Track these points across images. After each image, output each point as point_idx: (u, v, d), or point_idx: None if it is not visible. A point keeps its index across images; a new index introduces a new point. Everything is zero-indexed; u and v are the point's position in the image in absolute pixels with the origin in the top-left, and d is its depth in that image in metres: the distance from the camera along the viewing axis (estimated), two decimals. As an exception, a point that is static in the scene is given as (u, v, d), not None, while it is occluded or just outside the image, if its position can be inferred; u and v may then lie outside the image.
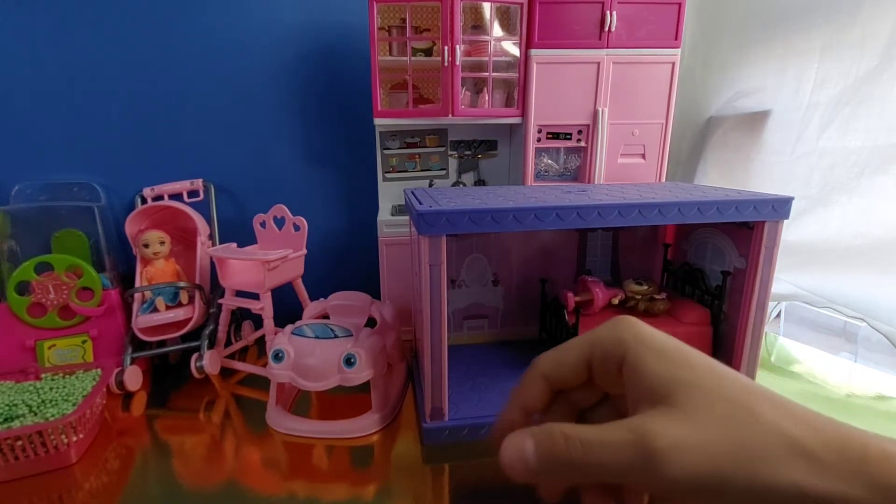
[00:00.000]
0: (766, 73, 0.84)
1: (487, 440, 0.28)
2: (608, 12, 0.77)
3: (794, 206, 0.56)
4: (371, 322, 0.69)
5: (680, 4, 0.78)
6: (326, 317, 0.71)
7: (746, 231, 0.59)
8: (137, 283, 0.77)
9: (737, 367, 0.63)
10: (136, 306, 0.75)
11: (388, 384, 0.66)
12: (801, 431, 0.20)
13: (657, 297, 0.71)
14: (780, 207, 0.55)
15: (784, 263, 0.60)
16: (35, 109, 0.84)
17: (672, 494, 0.21)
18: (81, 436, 0.57)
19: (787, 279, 0.81)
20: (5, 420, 0.56)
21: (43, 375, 0.66)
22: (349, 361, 0.59)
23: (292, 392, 0.69)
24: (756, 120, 0.86)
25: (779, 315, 0.90)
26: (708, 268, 0.70)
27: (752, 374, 0.64)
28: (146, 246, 0.77)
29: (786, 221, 0.56)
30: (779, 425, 0.21)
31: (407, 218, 0.78)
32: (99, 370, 0.67)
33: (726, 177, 0.93)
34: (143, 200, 0.87)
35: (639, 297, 0.71)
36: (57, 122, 0.85)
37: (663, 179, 0.87)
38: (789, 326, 0.91)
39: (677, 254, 0.77)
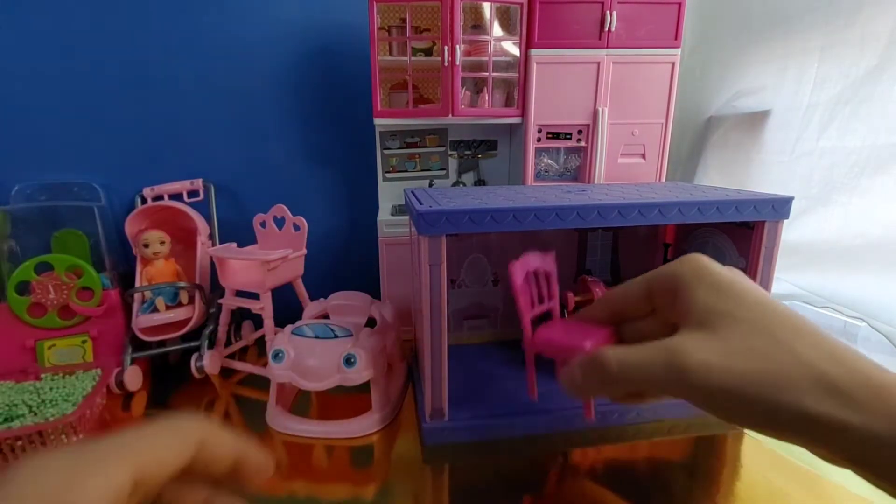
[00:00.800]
0: (766, 73, 0.84)
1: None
2: (608, 12, 0.77)
3: (794, 205, 0.56)
4: (371, 322, 0.69)
5: (680, 4, 0.78)
6: (326, 317, 0.71)
7: (746, 231, 0.59)
8: (137, 283, 0.77)
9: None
10: (136, 306, 0.75)
11: (389, 384, 0.66)
12: (833, 368, 0.22)
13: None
14: (780, 207, 0.55)
15: (784, 263, 0.60)
16: (35, 109, 0.84)
17: (699, 403, 0.24)
18: (82, 436, 0.57)
19: (786, 279, 0.81)
20: (5, 420, 0.56)
21: (43, 375, 0.66)
22: (349, 361, 0.58)
23: (292, 392, 0.68)
24: (756, 120, 0.86)
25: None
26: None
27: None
28: (146, 246, 0.77)
29: (786, 221, 0.56)
30: (812, 361, 0.22)
31: (407, 218, 0.78)
32: (99, 370, 0.67)
33: (726, 177, 0.93)
34: (143, 200, 0.87)
35: (639, 296, 0.71)
36: (57, 122, 0.85)
37: (663, 179, 0.87)
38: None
39: (677, 253, 0.77)
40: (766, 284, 0.58)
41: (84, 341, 0.74)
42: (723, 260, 0.66)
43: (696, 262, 0.28)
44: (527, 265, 0.42)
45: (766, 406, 0.22)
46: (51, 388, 0.62)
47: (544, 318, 0.43)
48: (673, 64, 0.81)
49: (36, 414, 0.57)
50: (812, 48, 0.75)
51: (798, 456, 0.54)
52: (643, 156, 0.86)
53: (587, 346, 0.30)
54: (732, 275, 0.28)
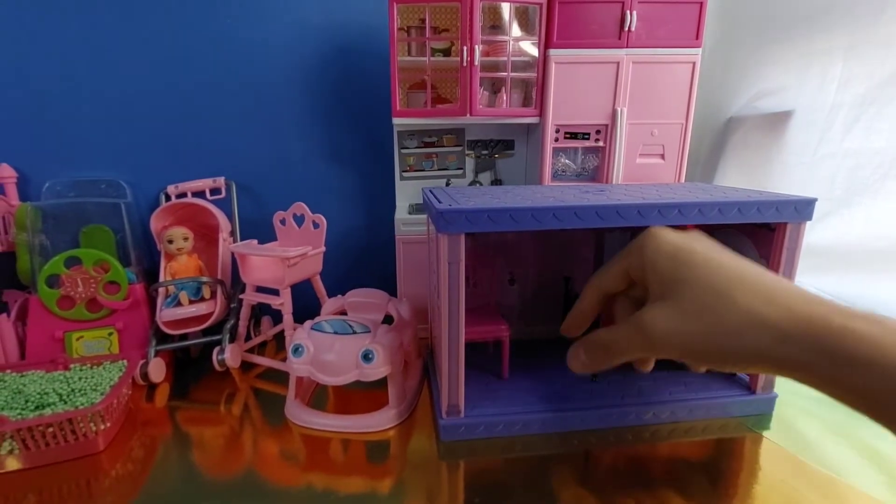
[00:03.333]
0: (789, 73, 0.83)
1: (560, 331, 0.42)
2: (628, 12, 0.76)
3: (816, 207, 0.55)
4: (388, 319, 0.70)
5: (701, 4, 0.77)
6: (344, 313, 0.72)
7: (767, 232, 0.59)
8: (161, 278, 0.79)
9: (756, 370, 0.62)
10: (160, 300, 0.77)
11: (405, 380, 0.67)
12: (772, 311, 0.26)
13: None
14: (802, 209, 0.55)
15: (805, 265, 0.59)
16: (65, 109, 0.86)
17: (674, 358, 0.30)
18: (108, 424, 0.59)
19: (808, 282, 0.80)
20: (37, 408, 0.58)
21: (72, 366, 0.68)
22: (367, 357, 0.59)
23: (310, 386, 0.70)
24: (778, 120, 0.85)
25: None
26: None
27: (772, 379, 0.63)
28: (170, 242, 0.79)
29: (808, 223, 0.56)
30: (752, 308, 0.26)
31: (424, 217, 0.79)
32: (125, 361, 0.69)
33: (746, 178, 0.92)
34: (168, 197, 0.89)
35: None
36: (86, 122, 0.87)
37: (682, 180, 0.86)
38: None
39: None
40: (787, 287, 0.58)
41: (110, 333, 0.76)
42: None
43: (656, 236, 0.33)
44: None
45: (720, 354, 0.27)
46: (79, 378, 0.64)
47: None
48: (693, 64, 0.80)
49: (66, 402, 0.59)
50: (836, 47, 0.74)
51: (817, 459, 0.54)
52: (662, 156, 0.85)
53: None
54: (686, 241, 0.32)
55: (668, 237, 0.32)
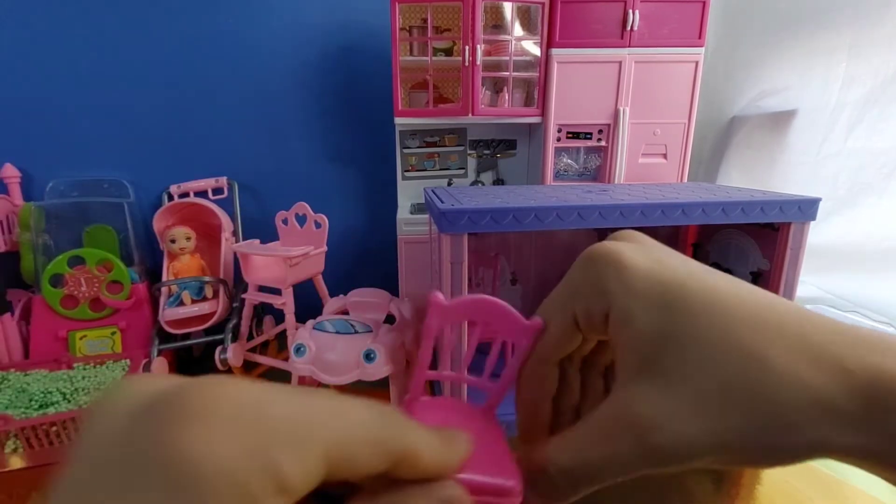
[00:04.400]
0: (792, 72, 0.82)
1: (521, 442, 0.23)
2: (630, 11, 0.76)
3: (820, 207, 0.55)
4: (390, 318, 0.70)
5: (704, 3, 0.77)
6: (346, 313, 0.72)
7: (771, 232, 0.58)
8: (164, 278, 0.79)
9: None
10: (162, 300, 0.77)
11: (407, 380, 0.67)
12: (824, 380, 0.17)
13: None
14: (806, 209, 0.54)
15: (809, 266, 0.59)
16: (69, 110, 0.87)
17: (686, 469, 0.18)
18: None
19: (812, 282, 0.79)
20: (41, 406, 0.58)
21: (75, 365, 0.68)
22: (369, 357, 0.59)
23: (312, 385, 0.70)
24: (781, 120, 0.85)
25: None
26: (733, 269, 0.70)
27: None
28: (173, 241, 0.80)
29: (811, 223, 0.55)
30: (798, 378, 0.17)
31: (426, 217, 0.79)
32: (128, 361, 0.69)
33: (749, 177, 0.92)
34: (170, 197, 0.89)
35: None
36: (89, 122, 0.88)
37: (685, 179, 0.86)
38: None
39: (699, 255, 0.77)
40: (792, 287, 0.58)
41: (113, 333, 0.76)
42: (746, 262, 0.66)
43: (620, 270, 0.19)
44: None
45: (765, 453, 0.18)
46: (83, 377, 0.65)
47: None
48: (696, 63, 0.80)
49: (69, 401, 0.59)
50: (839, 47, 0.73)
51: (820, 461, 0.53)
52: (665, 156, 0.85)
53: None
54: (659, 265, 0.19)
55: (638, 271, 0.19)
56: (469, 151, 0.95)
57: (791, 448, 0.17)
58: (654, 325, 0.18)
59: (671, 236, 0.79)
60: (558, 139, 0.83)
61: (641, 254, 0.20)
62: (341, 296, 0.74)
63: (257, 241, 0.81)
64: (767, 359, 0.17)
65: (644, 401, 0.18)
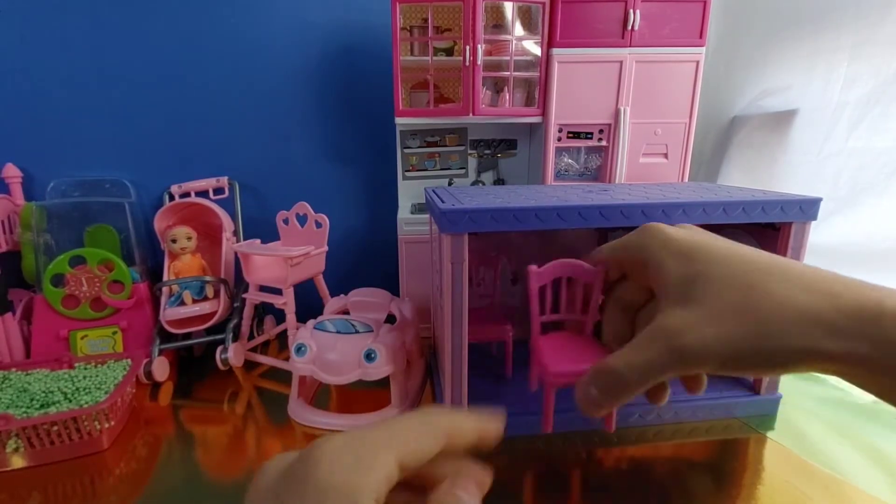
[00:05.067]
0: (793, 72, 0.82)
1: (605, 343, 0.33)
2: (631, 10, 0.76)
3: (821, 207, 0.55)
4: (390, 318, 0.70)
5: (705, 2, 0.77)
6: (347, 313, 0.73)
7: (772, 232, 0.58)
8: (165, 277, 0.80)
9: (759, 370, 0.62)
10: (163, 299, 0.77)
11: (408, 380, 0.67)
12: (814, 300, 0.22)
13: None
14: (807, 209, 0.54)
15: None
16: (70, 109, 0.87)
17: (710, 372, 0.25)
18: (113, 423, 0.59)
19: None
20: (42, 406, 0.58)
21: (76, 364, 0.68)
22: (369, 357, 0.60)
23: (313, 385, 0.70)
24: (782, 119, 0.85)
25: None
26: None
27: (776, 379, 0.63)
28: (174, 241, 0.80)
29: (812, 223, 0.55)
30: (791, 299, 0.22)
31: (426, 216, 0.79)
32: (129, 360, 0.69)
33: (750, 177, 0.92)
34: (171, 197, 0.89)
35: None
36: (90, 122, 0.88)
37: (686, 180, 0.86)
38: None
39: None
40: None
41: (114, 332, 0.76)
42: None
43: (659, 232, 0.29)
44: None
45: (764, 357, 0.23)
46: (84, 377, 0.65)
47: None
48: (697, 62, 0.80)
49: (70, 401, 0.59)
50: (841, 46, 0.73)
51: (821, 460, 0.53)
52: (665, 155, 0.85)
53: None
54: (692, 234, 0.28)
55: (670, 233, 0.28)
56: (470, 151, 0.95)
57: (784, 351, 0.22)
58: (681, 269, 0.26)
59: (672, 236, 0.79)
60: (559, 139, 0.83)
61: (678, 228, 0.29)
62: (342, 295, 0.74)
63: (258, 241, 0.81)
64: (768, 287, 0.23)
65: (673, 317, 0.25)
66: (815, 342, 0.22)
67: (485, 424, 0.22)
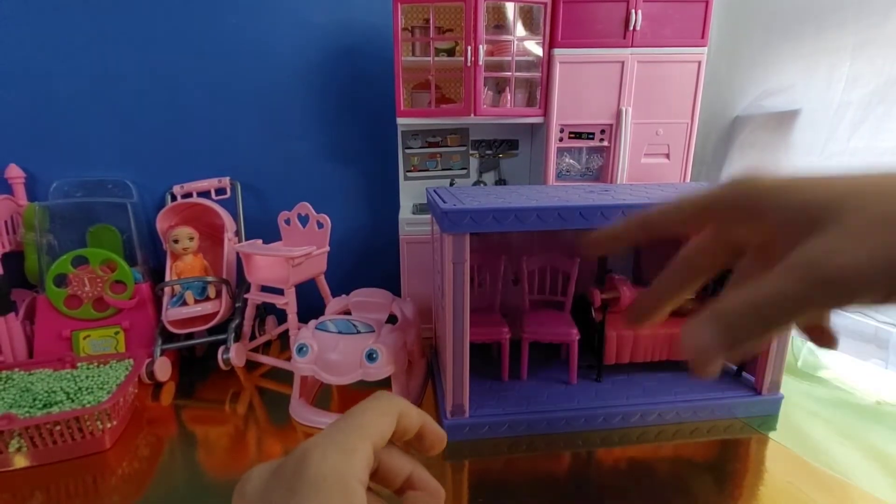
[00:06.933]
0: (795, 72, 0.82)
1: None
2: (633, 11, 0.76)
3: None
4: (392, 319, 0.70)
5: (707, 2, 0.77)
6: (348, 313, 0.73)
7: (773, 232, 0.58)
8: (167, 278, 0.80)
9: (762, 372, 0.62)
10: (165, 300, 0.78)
11: (409, 380, 0.67)
12: None
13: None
14: (808, 209, 0.54)
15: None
16: (73, 110, 0.87)
17: (862, 302, 0.19)
18: (115, 422, 0.59)
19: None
20: (45, 406, 0.58)
21: (79, 364, 0.68)
22: (371, 357, 0.60)
23: (315, 385, 0.70)
24: (784, 119, 0.84)
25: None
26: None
27: (778, 380, 0.63)
28: (176, 241, 0.80)
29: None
30: None
31: (428, 217, 0.79)
32: (131, 360, 0.69)
33: (752, 177, 0.92)
34: (173, 197, 0.89)
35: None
36: (93, 123, 0.88)
37: (688, 180, 0.86)
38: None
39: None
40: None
41: (117, 332, 0.77)
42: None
43: (758, 177, 0.23)
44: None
45: None
46: (86, 377, 0.65)
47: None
48: (699, 63, 0.80)
49: (73, 400, 0.60)
50: (843, 46, 0.73)
51: (823, 461, 0.53)
52: (667, 156, 0.85)
53: None
54: (795, 176, 0.23)
55: (781, 178, 0.23)
56: (471, 151, 0.95)
57: None
58: (807, 198, 0.21)
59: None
60: (560, 139, 0.83)
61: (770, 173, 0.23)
62: (343, 296, 0.74)
63: (260, 241, 0.81)
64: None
65: (811, 246, 0.20)
66: None
67: (429, 421, 0.23)
